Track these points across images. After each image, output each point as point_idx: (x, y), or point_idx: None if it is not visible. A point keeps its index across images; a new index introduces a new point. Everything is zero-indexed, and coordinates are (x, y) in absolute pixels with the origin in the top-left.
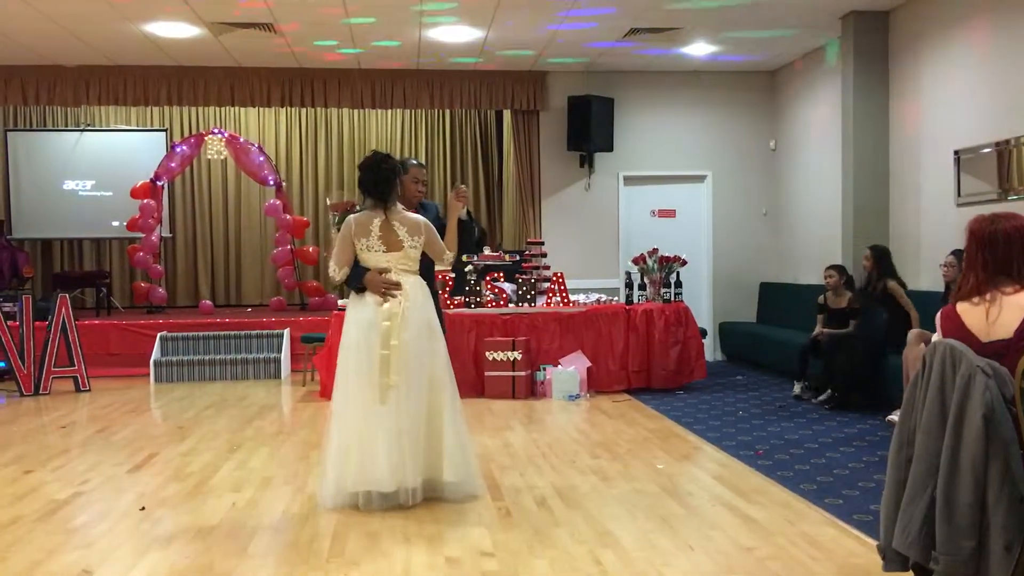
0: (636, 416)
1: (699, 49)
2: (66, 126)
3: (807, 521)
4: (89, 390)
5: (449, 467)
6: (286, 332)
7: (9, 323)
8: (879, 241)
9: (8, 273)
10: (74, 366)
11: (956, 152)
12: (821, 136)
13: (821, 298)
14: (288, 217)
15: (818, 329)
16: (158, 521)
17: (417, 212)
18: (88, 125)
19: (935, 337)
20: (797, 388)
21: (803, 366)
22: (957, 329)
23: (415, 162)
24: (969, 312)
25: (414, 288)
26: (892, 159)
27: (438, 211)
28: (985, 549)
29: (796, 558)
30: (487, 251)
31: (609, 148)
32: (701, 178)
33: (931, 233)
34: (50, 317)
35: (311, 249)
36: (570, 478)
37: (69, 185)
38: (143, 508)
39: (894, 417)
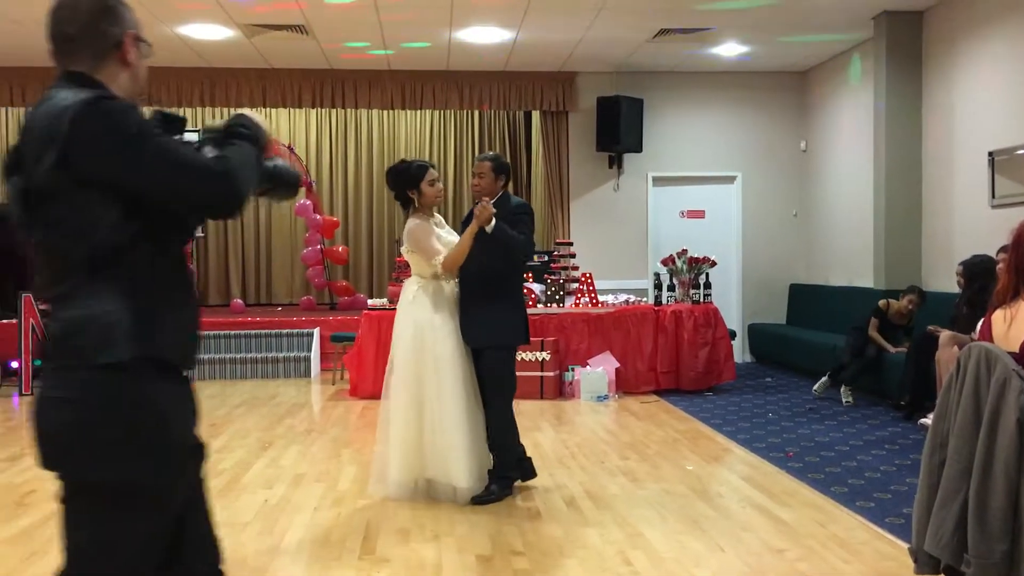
0: (665, 417)
1: (729, 50)
2: None
3: (838, 524)
4: None
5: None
6: (316, 331)
7: (46, 321)
8: (911, 242)
9: None
10: None
11: (990, 153)
12: (852, 137)
13: (883, 303)
14: (318, 217)
15: (883, 343)
16: None
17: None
18: None
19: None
20: (821, 386)
21: (841, 368)
22: (986, 335)
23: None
24: (997, 319)
25: (404, 290)
26: (925, 160)
27: (515, 206)
28: (1017, 552)
29: (827, 560)
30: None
31: (638, 149)
32: (731, 179)
33: (964, 235)
34: None
35: (341, 249)
36: (599, 479)
37: None
38: None
39: (926, 421)
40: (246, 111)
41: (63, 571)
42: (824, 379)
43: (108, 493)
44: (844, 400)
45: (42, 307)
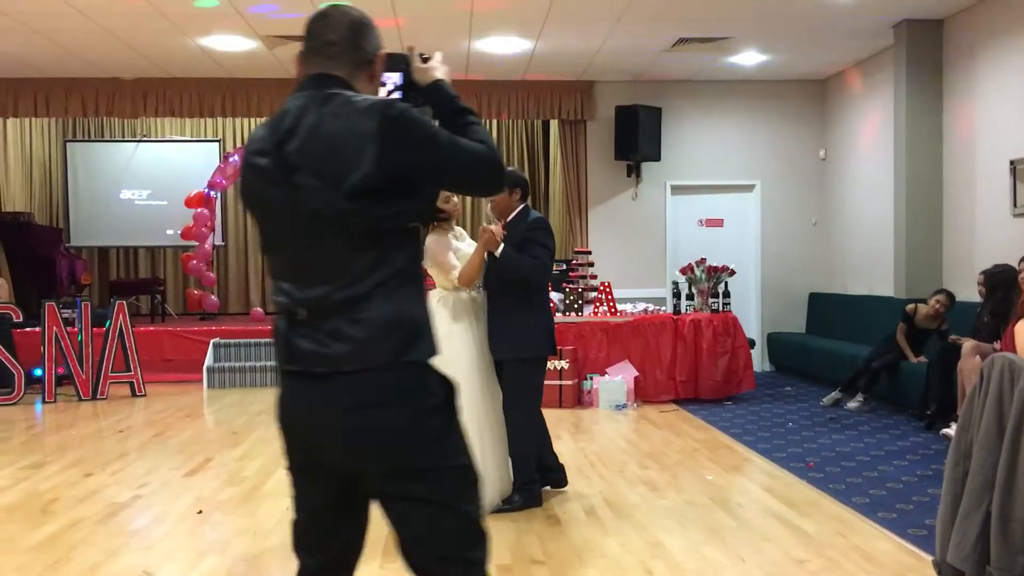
0: (684, 427)
1: (748, 58)
2: (123, 137)
3: (860, 534)
4: (145, 395)
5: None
6: None
7: (68, 329)
8: (932, 251)
9: (67, 281)
10: (130, 371)
11: (1012, 162)
12: (872, 145)
13: (911, 307)
14: None
15: (906, 350)
16: (215, 525)
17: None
18: (144, 136)
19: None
20: (832, 398)
21: (858, 379)
22: (1010, 345)
23: None
24: (1020, 329)
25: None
26: (946, 169)
27: (531, 222)
28: None
29: (849, 572)
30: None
31: (656, 157)
32: (750, 187)
33: (986, 244)
34: (108, 323)
35: None
36: (619, 488)
37: (126, 194)
38: (200, 512)
39: (948, 431)
40: (441, 74)
41: (420, 554)
42: (835, 393)
43: (446, 471)
44: (848, 405)
45: (305, 311)
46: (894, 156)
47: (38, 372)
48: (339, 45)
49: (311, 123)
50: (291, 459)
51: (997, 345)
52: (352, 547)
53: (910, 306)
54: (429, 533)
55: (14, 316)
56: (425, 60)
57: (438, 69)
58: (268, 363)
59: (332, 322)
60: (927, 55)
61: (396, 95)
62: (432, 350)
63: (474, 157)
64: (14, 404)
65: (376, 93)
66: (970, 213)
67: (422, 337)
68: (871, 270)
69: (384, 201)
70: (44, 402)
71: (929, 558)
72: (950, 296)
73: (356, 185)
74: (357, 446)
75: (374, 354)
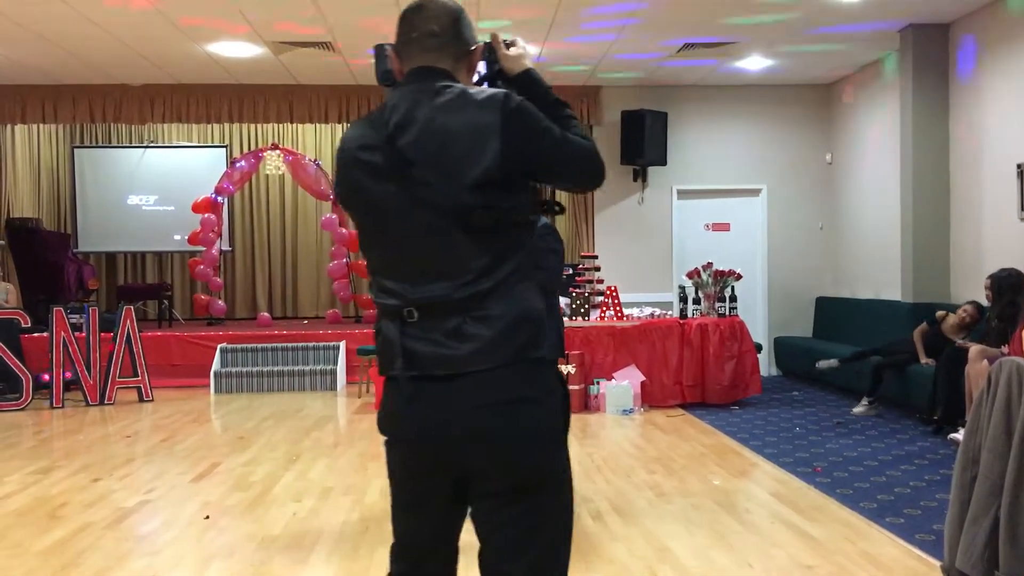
0: (691, 431)
1: (754, 63)
2: (130, 143)
3: (868, 540)
4: (152, 400)
5: None
6: (342, 344)
7: (76, 334)
8: (939, 254)
9: (75, 286)
10: (138, 377)
11: (1019, 165)
12: (879, 149)
13: (941, 314)
14: (344, 231)
15: (919, 349)
16: (222, 530)
17: None
18: (152, 142)
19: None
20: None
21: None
22: (1018, 350)
23: None
24: None
25: None
26: (952, 173)
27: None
28: None
29: None
30: None
31: (663, 162)
32: (756, 191)
33: (993, 248)
34: (115, 329)
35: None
36: (626, 493)
37: (133, 200)
38: (207, 517)
39: (955, 436)
40: (530, 62)
41: (512, 561)
42: (833, 361)
43: (564, 478)
44: (855, 410)
45: (416, 311)
46: (901, 160)
47: (46, 377)
48: (442, 37)
49: (425, 117)
50: (406, 470)
51: (1005, 349)
52: (454, 557)
53: (941, 312)
54: (529, 540)
55: (22, 321)
56: (509, 46)
57: (526, 56)
58: (275, 368)
59: (451, 321)
60: (933, 59)
61: (483, 85)
62: (557, 348)
63: (582, 152)
64: (22, 409)
65: (471, 84)
66: (977, 217)
67: (548, 334)
68: (878, 274)
69: (506, 194)
70: (52, 407)
71: (937, 563)
72: (978, 308)
73: (479, 178)
74: (484, 447)
75: (501, 352)
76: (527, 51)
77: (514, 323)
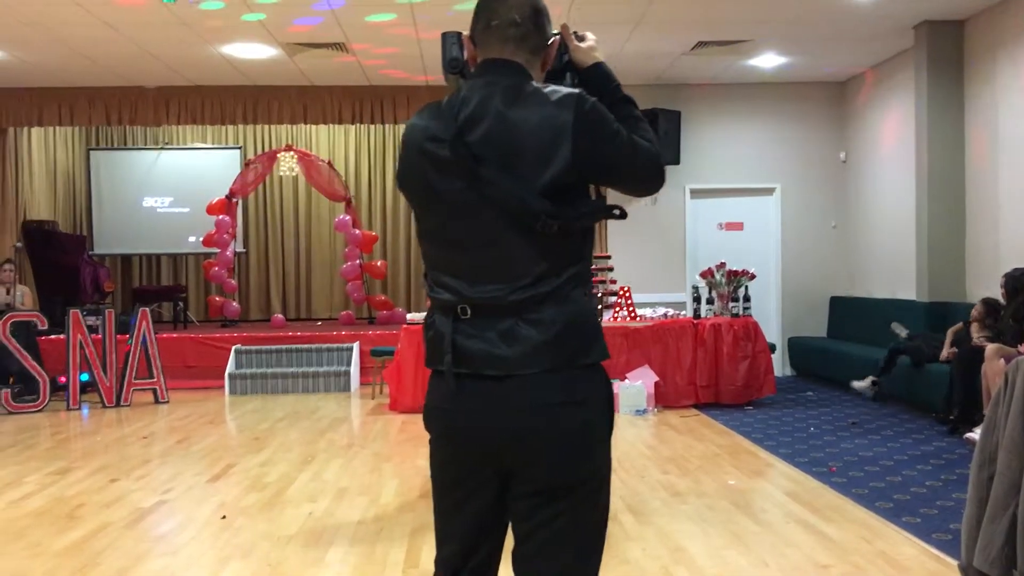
0: (705, 431)
1: (768, 61)
2: (145, 145)
3: (884, 540)
4: (167, 402)
5: None
6: (355, 346)
7: (92, 336)
8: (955, 253)
9: (90, 288)
10: (153, 378)
11: None
12: (893, 147)
13: (978, 310)
14: (357, 232)
15: (946, 344)
16: (239, 530)
17: None
18: (166, 144)
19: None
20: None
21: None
22: None
23: None
24: None
25: None
26: (968, 170)
27: None
28: None
29: None
30: None
31: (675, 161)
32: (770, 190)
33: (1009, 246)
34: (131, 331)
35: (379, 263)
36: (640, 493)
37: (148, 202)
38: (224, 517)
39: (971, 435)
40: (601, 56)
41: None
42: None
43: (605, 479)
44: (855, 384)
45: (470, 309)
46: (916, 158)
47: (63, 380)
48: (523, 27)
49: (498, 112)
50: (449, 467)
51: (1022, 348)
52: (496, 560)
53: (976, 311)
54: (566, 539)
55: (40, 323)
56: (580, 39)
57: (597, 49)
58: (289, 369)
59: (504, 322)
60: (948, 56)
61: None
62: (605, 352)
63: (647, 157)
64: (39, 411)
65: (542, 80)
66: (993, 215)
67: (597, 340)
68: (893, 273)
69: (574, 200)
70: (68, 408)
71: (954, 563)
72: (987, 305)
73: (550, 181)
74: (528, 446)
75: (550, 357)
76: (598, 46)
77: (566, 329)
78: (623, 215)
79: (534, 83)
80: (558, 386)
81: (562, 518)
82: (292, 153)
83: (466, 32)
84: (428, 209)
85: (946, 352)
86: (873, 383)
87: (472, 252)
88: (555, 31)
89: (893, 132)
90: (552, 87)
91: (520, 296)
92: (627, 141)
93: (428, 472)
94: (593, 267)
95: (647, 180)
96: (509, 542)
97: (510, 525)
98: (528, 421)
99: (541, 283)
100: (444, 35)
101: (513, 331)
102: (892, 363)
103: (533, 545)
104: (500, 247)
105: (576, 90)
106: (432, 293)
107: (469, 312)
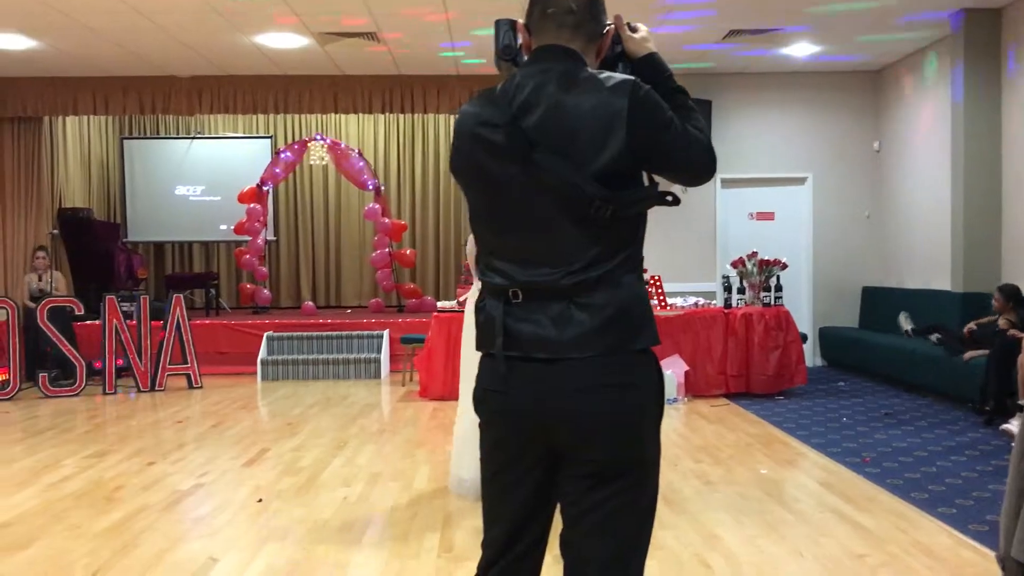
0: (736, 421)
1: (801, 50)
2: (178, 134)
3: (920, 530)
4: (201, 387)
5: None
6: (386, 333)
7: (127, 322)
8: (991, 242)
9: (124, 275)
10: (187, 364)
11: None
12: (929, 136)
13: (997, 299)
14: (387, 220)
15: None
16: (275, 513)
17: None
18: (198, 133)
19: None
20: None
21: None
22: None
23: None
24: None
25: (471, 293)
26: (1005, 159)
27: None
28: None
29: (910, 567)
30: None
31: None
32: (802, 180)
33: None
34: (166, 317)
35: (408, 252)
36: (672, 482)
37: (180, 190)
38: (260, 500)
39: (1007, 426)
40: (654, 46)
41: (597, 544)
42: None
43: (654, 462)
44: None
45: (521, 292)
46: (951, 147)
47: (99, 364)
48: (579, 15)
49: (553, 98)
50: (499, 449)
51: None
52: (543, 543)
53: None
54: (616, 523)
55: (76, 309)
56: (633, 30)
57: (650, 40)
58: (320, 356)
59: (555, 306)
60: (985, 44)
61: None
62: (655, 338)
63: (699, 147)
64: (76, 395)
65: (596, 69)
66: None
67: (648, 325)
68: (927, 263)
69: (628, 185)
70: (104, 393)
71: (991, 553)
72: (1004, 293)
73: (603, 167)
74: (579, 428)
75: (601, 341)
76: (650, 35)
77: (617, 314)
78: (676, 201)
79: (589, 69)
80: (609, 369)
81: (612, 501)
82: (322, 142)
83: (520, 20)
84: (482, 195)
85: (967, 329)
86: (938, 339)
87: (525, 236)
88: (609, 21)
89: (928, 121)
90: (607, 73)
91: (572, 280)
92: (680, 129)
93: None
94: None
95: (699, 168)
96: (556, 526)
97: (558, 509)
98: (580, 403)
99: (593, 268)
100: (497, 22)
101: (564, 315)
102: (934, 331)
103: (583, 528)
104: (553, 232)
105: (630, 77)
106: (484, 277)
107: (520, 296)
